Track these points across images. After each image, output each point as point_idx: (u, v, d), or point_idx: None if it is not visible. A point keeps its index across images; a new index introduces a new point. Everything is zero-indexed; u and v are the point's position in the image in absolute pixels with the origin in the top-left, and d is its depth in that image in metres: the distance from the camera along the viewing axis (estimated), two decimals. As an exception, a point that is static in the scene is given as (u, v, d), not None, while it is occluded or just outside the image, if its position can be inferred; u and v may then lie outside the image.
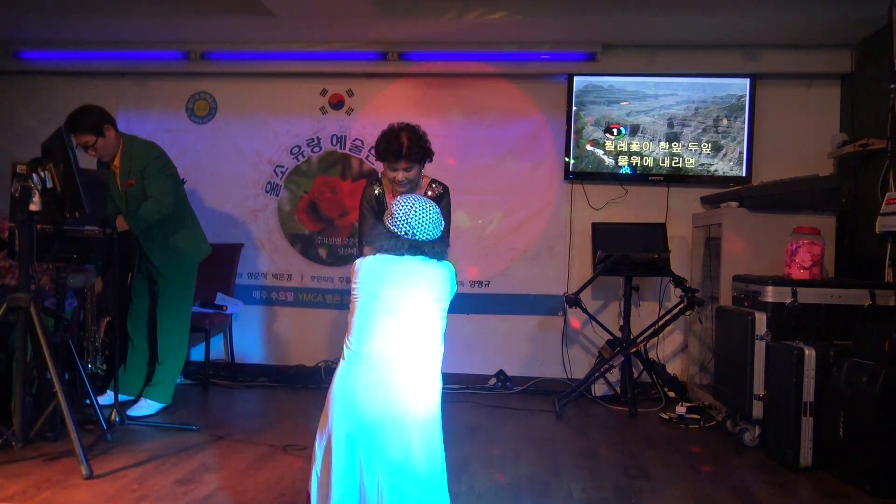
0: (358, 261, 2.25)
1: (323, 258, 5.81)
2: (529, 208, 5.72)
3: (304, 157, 5.89)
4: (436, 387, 2.16)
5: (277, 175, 5.91)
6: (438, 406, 2.17)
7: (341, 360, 2.18)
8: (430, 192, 3.40)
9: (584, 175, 5.66)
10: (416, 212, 2.23)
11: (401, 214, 2.22)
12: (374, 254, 2.22)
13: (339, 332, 4.55)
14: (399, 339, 2.11)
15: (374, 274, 2.16)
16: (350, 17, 4.89)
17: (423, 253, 2.23)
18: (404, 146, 3.17)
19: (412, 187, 3.25)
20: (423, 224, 2.23)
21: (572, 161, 5.65)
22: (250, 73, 5.69)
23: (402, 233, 2.23)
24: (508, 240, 5.68)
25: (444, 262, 2.27)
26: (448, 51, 5.45)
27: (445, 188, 3.47)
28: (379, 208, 3.47)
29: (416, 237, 2.22)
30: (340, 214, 5.86)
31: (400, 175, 3.22)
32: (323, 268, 5.73)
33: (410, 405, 2.07)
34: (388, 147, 3.22)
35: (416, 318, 2.14)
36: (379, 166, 4.38)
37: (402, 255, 2.20)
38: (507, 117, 5.74)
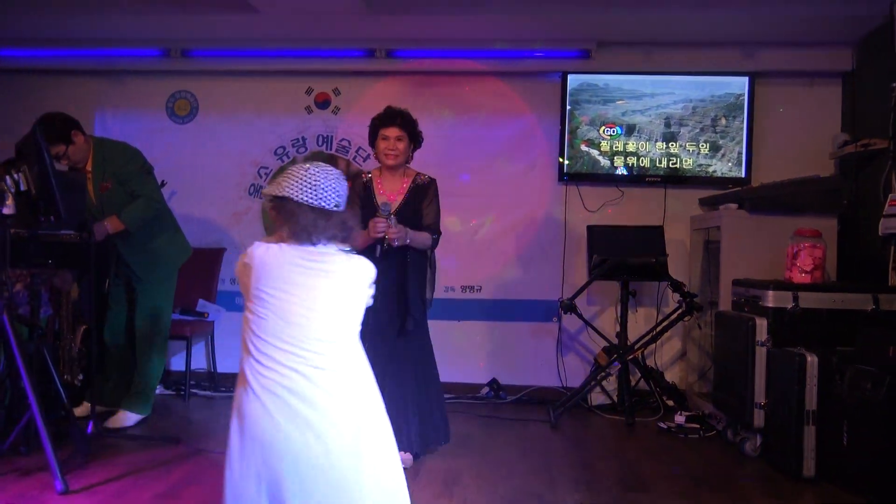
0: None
1: (308, 263, 5.73)
2: (522, 211, 5.69)
3: (288, 158, 5.85)
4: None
5: (261, 177, 5.85)
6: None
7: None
8: (417, 182, 3.61)
9: (578, 176, 5.64)
10: (328, 177, 2.01)
11: (326, 183, 1.98)
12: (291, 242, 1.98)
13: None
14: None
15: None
16: (336, 14, 4.87)
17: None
18: (399, 114, 3.57)
19: (398, 165, 3.57)
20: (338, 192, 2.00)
21: (566, 162, 5.64)
22: (233, 70, 5.67)
23: (333, 206, 2.00)
24: (501, 243, 5.66)
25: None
26: (438, 48, 5.46)
27: (432, 180, 3.69)
28: (366, 195, 3.59)
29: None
30: None
31: (391, 142, 3.52)
32: (308, 273, 5.62)
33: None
34: (384, 114, 3.61)
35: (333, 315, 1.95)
36: (368, 166, 4.80)
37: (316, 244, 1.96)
38: (499, 117, 5.72)
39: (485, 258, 5.62)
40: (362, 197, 3.57)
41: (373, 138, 3.73)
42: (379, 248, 3.31)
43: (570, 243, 5.59)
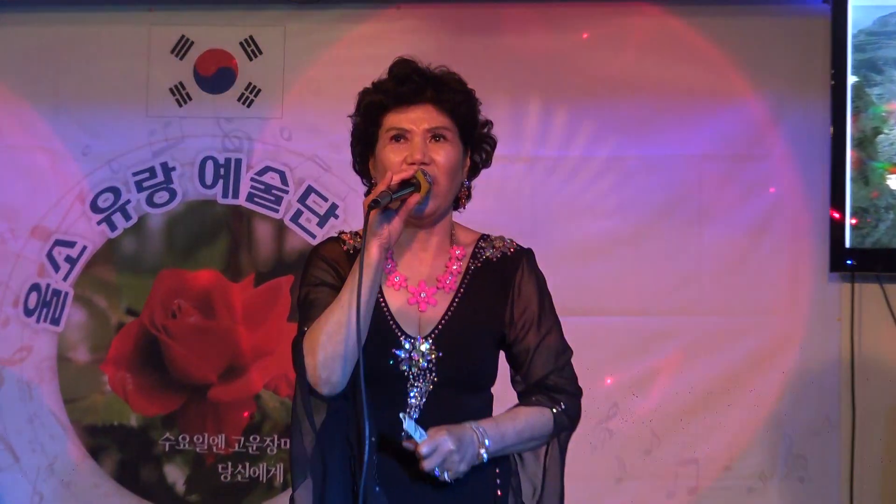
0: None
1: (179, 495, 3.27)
2: (738, 350, 3.23)
3: (129, 217, 3.29)
4: None
5: (55, 267, 3.30)
6: None
7: None
8: (486, 255, 1.74)
9: (886, 258, 3.12)
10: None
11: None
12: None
13: None
14: None
15: None
16: None
17: None
18: (430, 75, 1.68)
19: (436, 209, 1.67)
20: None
21: (853, 222, 3.12)
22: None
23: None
24: (708, 413, 3.27)
25: None
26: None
27: (522, 251, 1.80)
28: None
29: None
30: (226, 373, 3.20)
31: (416, 143, 1.63)
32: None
33: None
34: (394, 73, 1.69)
35: None
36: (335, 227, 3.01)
37: None
38: (671, 105, 3.27)
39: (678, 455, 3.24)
40: (342, 276, 1.74)
41: (364, 145, 1.74)
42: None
43: (867, 407, 3.22)
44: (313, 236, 3.00)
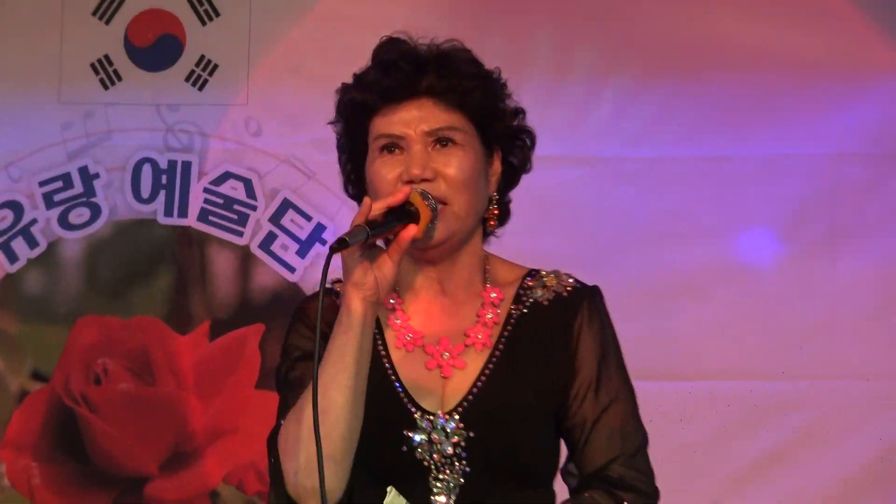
0: None
1: None
2: (891, 416, 2.76)
3: (35, 244, 2.81)
4: None
5: None
6: None
7: None
8: (534, 297, 1.60)
9: None
10: None
11: None
12: None
13: None
14: None
15: None
16: None
17: None
18: (428, 55, 1.55)
19: (449, 234, 1.52)
20: None
21: None
22: None
23: None
24: None
25: None
26: None
27: (585, 289, 1.64)
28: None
29: None
30: (170, 461, 2.72)
31: (416, 152, 1.53)
32: None
33: None
34: (380, 57, 1.56)
35: None
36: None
37: None
38: (790, 90, 2.79)
39: None
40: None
41: (354, 159, 1.59)
42: None
43: None
44: (291, 270, 2.59)
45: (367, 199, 1.34)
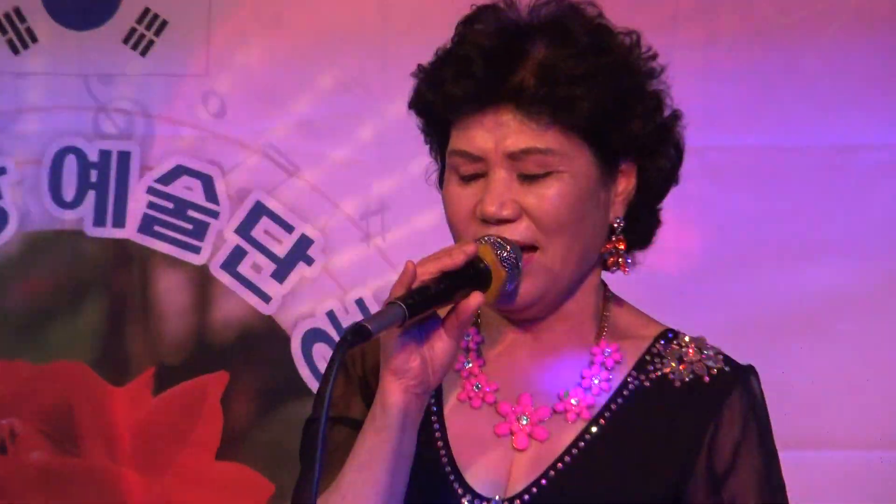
0: None
1: None
2: None
3: None
4: None
5: None
6: None
7: None
8: (670, 370, 1.19)
9: None
10: None
11: None
12: None
13: None
14: None
15: None
16: None
17: None
18: (513, 41, 1.15)
19: (540, 286, 1.18)
20: None
21: None
22: None
23: None
24: None
25: None
26: None
27: (741, 373, 1.22)
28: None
29: None
30: None
31: (497, 164, 1.20)
32: None
33: None
34: (450, 61, 1.17)
35: None
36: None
37: None
38: None
39: None
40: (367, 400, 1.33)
41: (441, 146, 1.25)
42: None
43: None
44: (266, 298, 2.18)
45: (408, 264, 1.11)
